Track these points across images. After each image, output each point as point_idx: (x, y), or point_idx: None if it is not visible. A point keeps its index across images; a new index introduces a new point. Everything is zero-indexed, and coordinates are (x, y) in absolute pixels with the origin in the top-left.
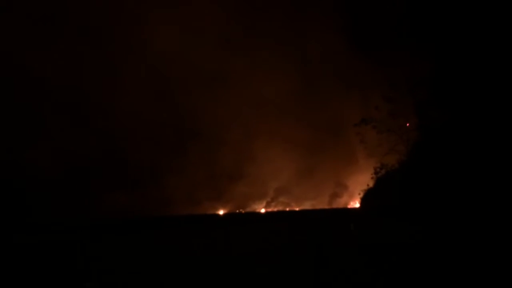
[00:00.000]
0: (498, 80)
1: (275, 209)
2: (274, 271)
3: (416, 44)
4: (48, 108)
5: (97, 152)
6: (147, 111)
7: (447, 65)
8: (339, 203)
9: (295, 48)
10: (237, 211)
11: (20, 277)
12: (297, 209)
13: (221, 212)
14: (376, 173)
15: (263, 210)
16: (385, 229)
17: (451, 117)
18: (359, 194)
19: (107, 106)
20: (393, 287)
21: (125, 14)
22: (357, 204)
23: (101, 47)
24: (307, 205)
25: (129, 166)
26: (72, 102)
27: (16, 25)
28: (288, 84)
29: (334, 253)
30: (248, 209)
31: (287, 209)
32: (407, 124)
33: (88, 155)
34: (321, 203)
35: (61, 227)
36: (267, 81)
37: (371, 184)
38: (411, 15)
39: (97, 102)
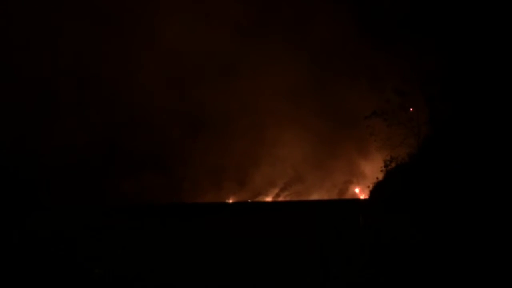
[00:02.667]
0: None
1: (286, 199)
2: (277, 260)
3: (427, 37)
4: (59, 98)
5: (108, 142)
6: (158, 102)
7: (459, 59)
8: (349, 195)
9: (307, 40)
10: (249, 200)
11: (31, 263)
12: (305, 199)
13: (230, 201)
14: (386, 166)
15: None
16: (393, 224)
17: (462, 110)
18: (368, 186)
19: (120, 98)
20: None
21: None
22: (366, 196)
23: (110, 38)
24: (317, 195)
25: (139, 155)
26: (83, 91)
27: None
28: (300, 75)
29: (338, 245)
30: (258, 199)
31: (296, 199)
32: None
33: (98, 145)
34: (331, 194)
35: (72, 214)
36: (279, 72)
37: (380, 176)
38: (422, 9)
39: (111, 92)
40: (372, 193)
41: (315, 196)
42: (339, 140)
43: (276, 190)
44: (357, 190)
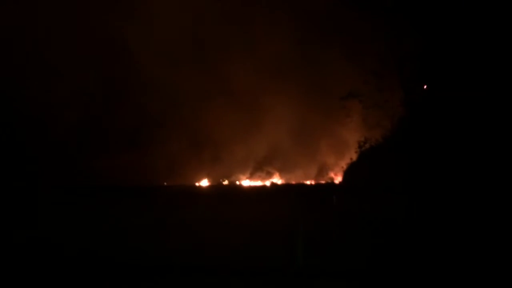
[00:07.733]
0: (486, 57)
1: (260, 180)
2: (252, 243)
3: (404, 20)
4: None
5: (81, 117)
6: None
7: (435, 41)
8: (325, 176)
9: (285, 17)
10: (221, 180)
11: None
12: (280, 181)
13: (205, 181)
14: (360, 147)
15: (247, 182)
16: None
17: (437, 92)
18: (343, 167)
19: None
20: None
21: None
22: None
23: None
24: (292, 176)
25: (113, 133)
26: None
27: None
28: (279, 49)
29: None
30: (233, 179)
31: (272, 179)
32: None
33: (71, 120)
34: (307, 175)
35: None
36: (259, 51)
37: (354, 158)
38: None
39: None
40: (346, 174)
41: (290, 177)
42: (318, 121)
43: (251, 169)
44: (332, 172)
